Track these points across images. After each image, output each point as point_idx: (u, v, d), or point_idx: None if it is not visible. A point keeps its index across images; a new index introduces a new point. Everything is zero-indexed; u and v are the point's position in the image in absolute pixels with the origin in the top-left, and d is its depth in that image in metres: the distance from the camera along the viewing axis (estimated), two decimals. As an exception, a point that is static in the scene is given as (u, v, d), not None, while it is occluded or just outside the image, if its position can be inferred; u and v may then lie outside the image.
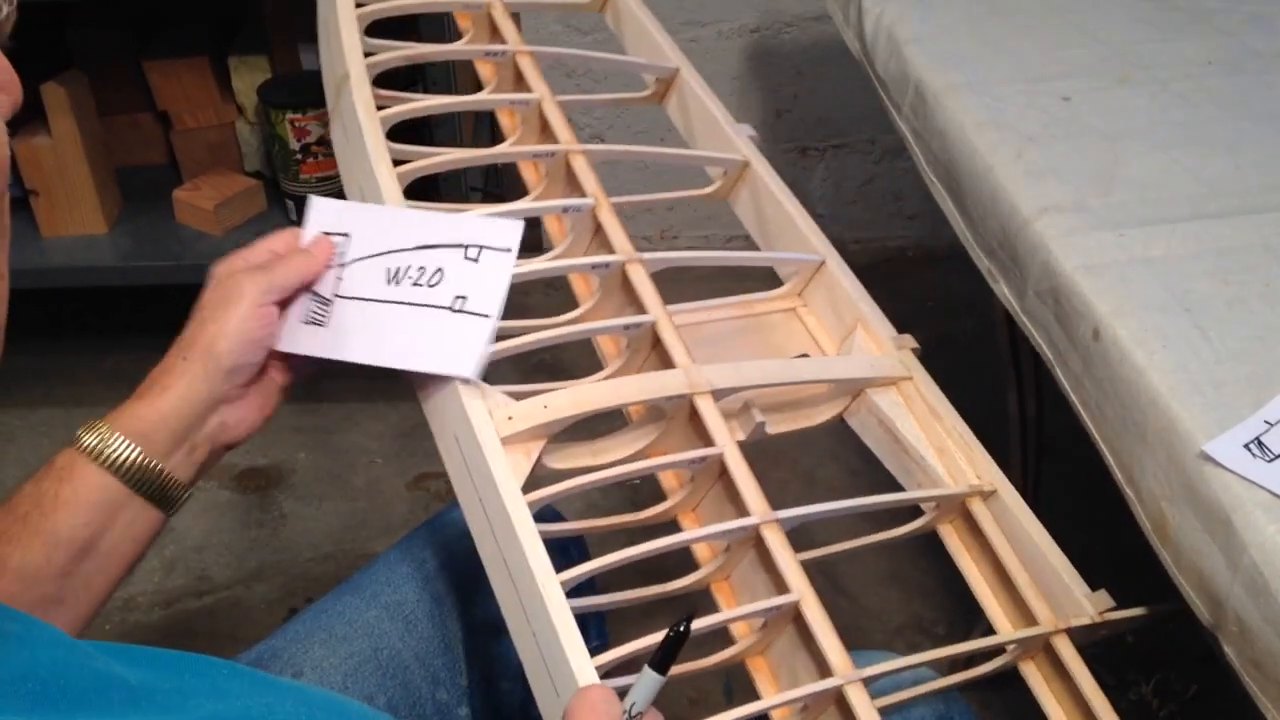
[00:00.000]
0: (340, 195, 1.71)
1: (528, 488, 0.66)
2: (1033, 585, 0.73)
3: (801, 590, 0.65)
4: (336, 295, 0.73)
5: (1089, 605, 0.72)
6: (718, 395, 0.73)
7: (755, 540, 0.68)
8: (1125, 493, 0.76)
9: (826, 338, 0.86)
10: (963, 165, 0.98)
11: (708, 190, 0.95)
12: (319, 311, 0.73)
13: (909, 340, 0.84)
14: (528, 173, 0.96)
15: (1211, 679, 1.39)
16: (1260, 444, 0.68)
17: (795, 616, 0.66)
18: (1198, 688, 1.38)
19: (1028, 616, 0.73)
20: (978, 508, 0.76)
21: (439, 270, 0.71)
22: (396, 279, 0.72)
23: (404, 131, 0.88)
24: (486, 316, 0.69)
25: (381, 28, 0.93)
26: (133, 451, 0.66)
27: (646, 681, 0.56)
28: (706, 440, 0.71)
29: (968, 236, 0.99)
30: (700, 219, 2.24)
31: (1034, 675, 0.73)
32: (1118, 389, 0.76)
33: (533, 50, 0.93)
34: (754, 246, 0.96)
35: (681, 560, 0.73)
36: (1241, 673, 0.65)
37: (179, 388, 0.68)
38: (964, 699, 0.77)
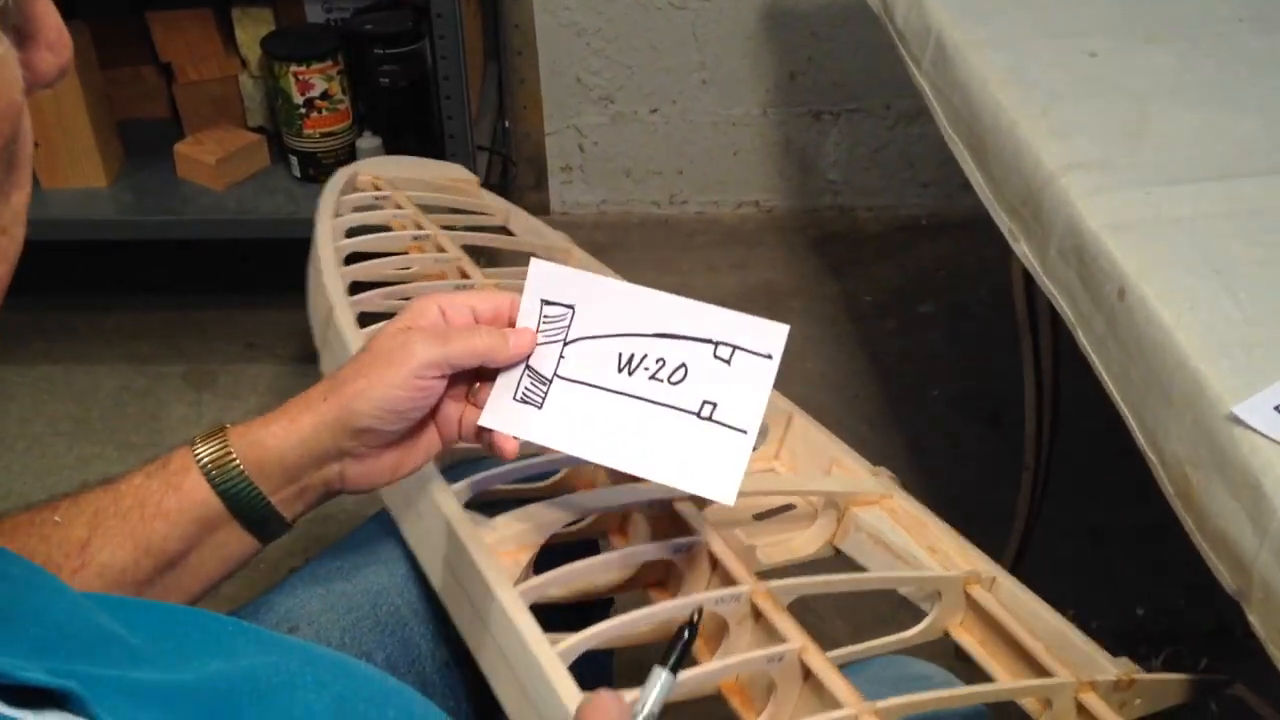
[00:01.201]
0: (350, 151, 1.70)
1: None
2: (1051, 653, 0.71)
3: (803, 641, 0.63)
4: (557, 375, 0.65)
5: (1113, 667, 0.70)
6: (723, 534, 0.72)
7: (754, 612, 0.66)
8: (1148, 457, 0.74)
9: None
10: (985, 121, 0.95)
11: None
12: (534, 390, 0.65)
13: (885, 471, 0.84)
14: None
15: (1222, 652, 1.37)
16: (1292, 407, 0.65)
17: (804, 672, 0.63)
18: (1208, 661, 1.36)
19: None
20: (980, 594, 0.74)
21: (682, 366, 0.63)
22: (630, 368, 0.64)
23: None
24: (744, 433, 0.61)
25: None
26: (242, 480, 0.63)
27: (656, 682, 0.53)
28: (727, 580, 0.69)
29: (988, 195, 0.96)
30: (710, 183, 2.21)
31: None
32: (1143, 350, 0.74)
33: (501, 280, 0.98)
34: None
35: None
36: (1268, 642, 0.63)
37: (305, 429, 0.63)
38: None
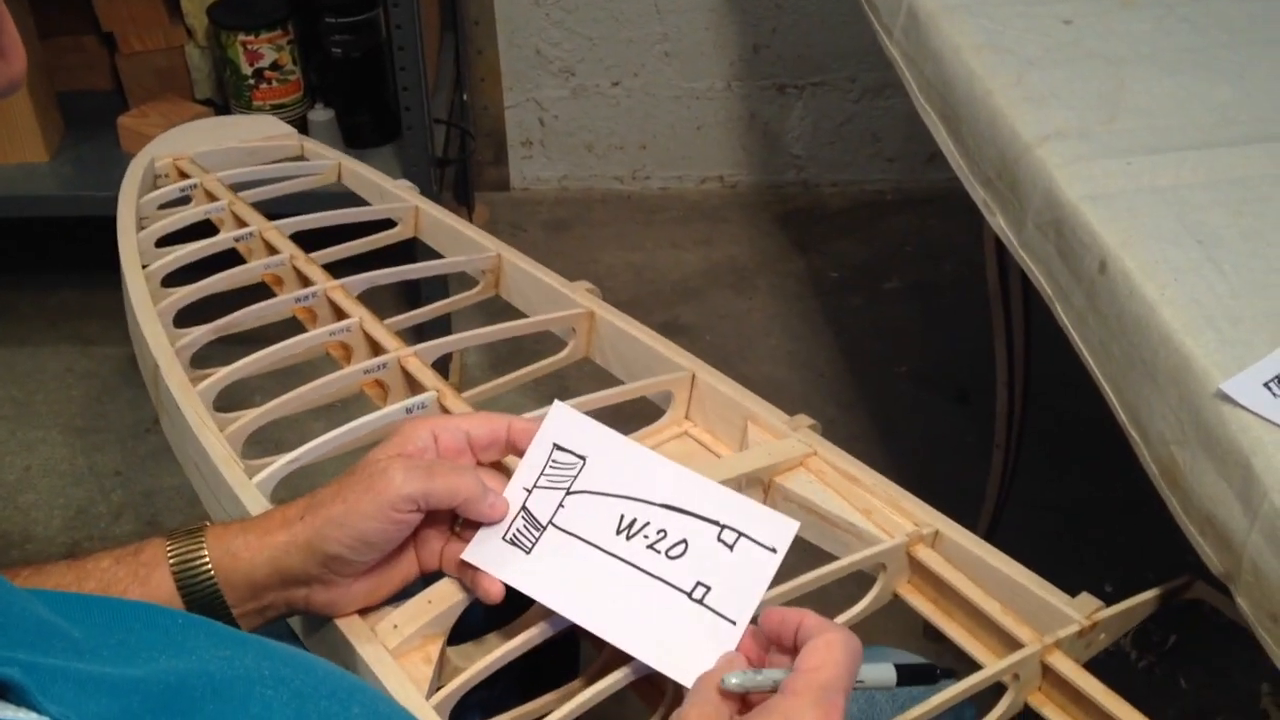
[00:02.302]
0: (302, 125, 1.64)
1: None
2: (1008, 612, 0.68)
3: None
4: (553, 523, 0.62)
5: (1075, 613, 0.66)
6: None
7: None
8: (1130, 435, 0.72)
9: (723, 446, 0.81)
10: (959, 90, 0.92)
11: (564, 354, 0.89)
12: (525, 534, 0.62)
13: (803, 419, 0.79)
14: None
15: (1190, 629, 1.36)
16: (1281, 383, 0.63)
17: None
18: (1176, 638, 1.35)
19: (1014, 646, 0.66)
20: (925, 554, 0.70)
21: (683, 542, 0.61)
22: (629, 532, 0.61)
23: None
24: (733, 624, 0.58)
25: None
26: (210, 589, 0.60)
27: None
28: None
29: (962, 167, 0.93)
30: (673, 158, 2.17)
31: (1049, 706, 0.66)
32: (1125, 325, 0.71)
33: (343, 284, 0.90)
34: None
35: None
36: (1256, 626, 0.61)
37: (277, 547, 0.60)
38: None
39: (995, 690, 0.66)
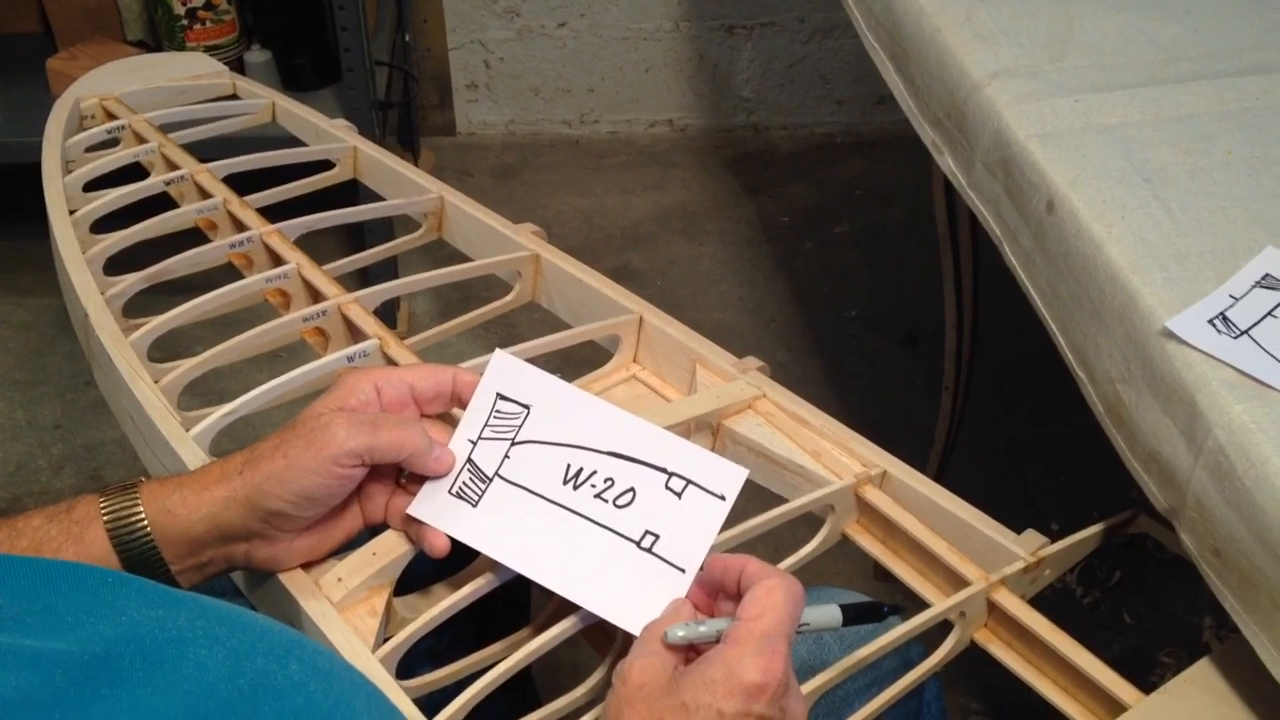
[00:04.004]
0: (238, 67, 1.59)
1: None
2: (954, 551, 0.68)
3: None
4: (499, 475, 0.61)
5: (1020, 549, 0.67)
6: None
7: None
8: (1076, 374, 0.72)
9: (672, 390, 0.81)
10: (908, 28, 0.91)
11: (510, 298, 0.87)
12: (471, 486, 0.61)
13: (752, 361, 0.78)
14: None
15: (1134, 565, 1.39)
16: (1225, 319, 0.63)
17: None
18: (1121, 574, 1.38)
19: (961, 584, 0.67)
20: (872, 494, 0.71)
21: (630, 491, 0.60)
22: (575, 482, 0.61)
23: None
24: (682, 571, 0.57)
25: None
26: (146, 545, 0.58)
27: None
28: None
29: (911, 107, 0.92)
30: (622, 102, 2.15)
31: (995, 643, 0.67)
32: (1072, 265, 0.71)
33: (279, 229, 0.87)
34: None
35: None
36: (1200, 561, 0.62)
37: (215, 502, 0.58)
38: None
39: (943, 628, 0.67)
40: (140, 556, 0.58)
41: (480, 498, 0.61)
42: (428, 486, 0.61)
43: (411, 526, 0.62)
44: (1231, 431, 0.58)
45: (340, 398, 0.61)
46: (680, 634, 0.53)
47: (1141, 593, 1.37)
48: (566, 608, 0.60)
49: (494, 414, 0.63)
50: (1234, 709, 0.60)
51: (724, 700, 0.49)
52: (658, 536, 0.59)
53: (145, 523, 0.58)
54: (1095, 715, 0.62)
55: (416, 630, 0.59)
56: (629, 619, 0.57)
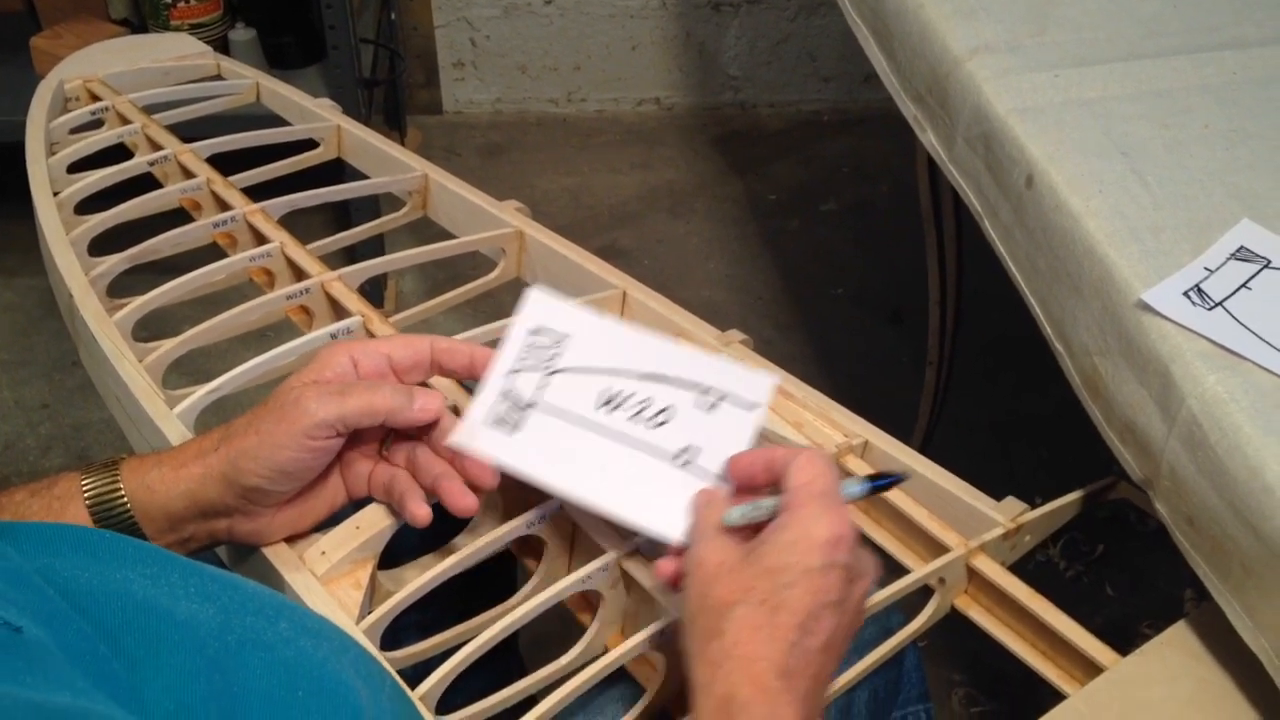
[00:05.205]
0: (222, 45, 1.59)
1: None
2: (934, 518, 0.69)
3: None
4: (537, 403, 0.62)
5: (1000, 516, 0.68)
6: None
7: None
8: (1054, 347, 0.73)
9: None
10: (890, 4, 0.92)
11: (495, 274, 0.87)
12: (510, 415, 0.62)
13: (735, 334, 0.79)
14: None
15: (1116, 539, 1.40)
16: (1200, 291, 0.64)
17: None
18: (1104, 548, 1.39)
19: (941, 551, 0.68)
20: (854, 464, 0.71)
21: (665, 409, 0.61)
22: (612, 405, 0.62)
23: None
24: (722, 481, 0.59)
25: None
26: (126, 521, 0.58)
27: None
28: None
29: (894, 82, 0.93)
30: (609, 80, 2.14)
31: (975, 609, 0.68)
32: (1051, 238, 0.72)
33: (263, 208, 0.87)
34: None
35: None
36: (1174, 529, 0.63)
37: (192, 480, 0.58)
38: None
39: (923, 595, 0.68)
40: (121, 532, 0.58)
41: (518, 425, 0.62)
42: (465, 418, 0.62)
43: (393, 496, 0.62)
44: (1205, 401, 0.59)
45: (315, 371, 0.61)
46: (738, 514, 0.54)
47: (1124, 566, 1.39)
48: (552, 576, 0.61)
49: (530, 346, 0.65)
50: (1209, 669, 0.61)
51: (807, 557, 0.50)
52: (697, 450, 0.60)
53: (125, 500, 0.58)
54: (1074, 678, 0.63)
55: (400, 602, 0.60)
56: (671, 530, 0.58)
